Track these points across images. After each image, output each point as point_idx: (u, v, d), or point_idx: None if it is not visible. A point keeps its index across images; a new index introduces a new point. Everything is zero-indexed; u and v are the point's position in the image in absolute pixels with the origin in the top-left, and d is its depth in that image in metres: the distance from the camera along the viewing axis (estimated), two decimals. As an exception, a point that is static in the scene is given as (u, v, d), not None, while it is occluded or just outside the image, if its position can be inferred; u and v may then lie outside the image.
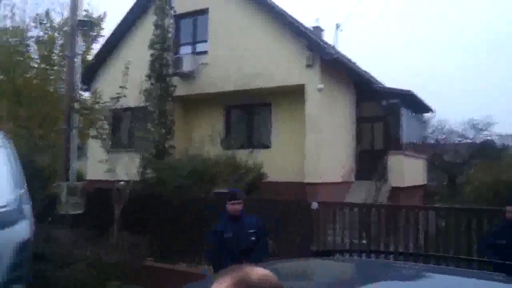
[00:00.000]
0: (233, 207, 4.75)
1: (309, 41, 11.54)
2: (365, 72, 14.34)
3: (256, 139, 12.83)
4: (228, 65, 12.30)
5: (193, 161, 9.80)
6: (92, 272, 5.88)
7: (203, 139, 10.87)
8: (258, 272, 1.21)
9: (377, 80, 15.01)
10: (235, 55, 12.25)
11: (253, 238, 4.70)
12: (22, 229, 5.92)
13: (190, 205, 8.00)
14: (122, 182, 8.18)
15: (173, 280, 7.02)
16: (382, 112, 13.81)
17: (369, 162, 12.88)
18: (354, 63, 13.58)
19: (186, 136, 12.74)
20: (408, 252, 6.30)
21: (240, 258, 4.49)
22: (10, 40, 9.48)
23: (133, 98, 10.28)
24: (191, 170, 9.34)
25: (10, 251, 5.71)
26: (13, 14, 9.98)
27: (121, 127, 13.24)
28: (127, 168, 8.63)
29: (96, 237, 6.69)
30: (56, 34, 9.78)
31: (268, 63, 11.77)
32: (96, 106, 8.17)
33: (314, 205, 7.00)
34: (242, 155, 10.73)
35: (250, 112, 13.24)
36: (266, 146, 12.32)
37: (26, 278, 5.89)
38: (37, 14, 9.91)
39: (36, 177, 7.16)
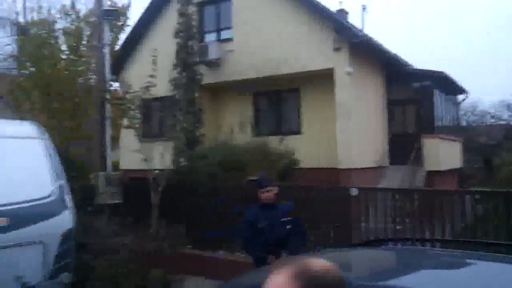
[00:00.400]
0: (265, 194, 4.57)
1: (336, 24, 11.27)
2: (395, 54, 13.97)
3: (285, 126, 12.67)
4: (254, 51, 12.12)
5: (224, 149, 9.72)
6: (134, 260, 5.87)
7: (232, 126, 10.78)
8: (318, 263, 1.14)
9: (407, 62, 14.61)
10: (261, 41, 12.06)
11: (288, 227, 4.51)
12: (65, 220, 5.96)
13: (224, 193, 7.92)
14: (156, 171, 8.17)
15: (213, 268, 6.99)
16: (414, 95, 13.46)
17: (402, 146, 12.60)
18: (382, 45, 13.22)
19: (215, 124, 12.67)
20: (469, 240, 5.99)
21: (275, 248, 4.37)
22: (38, 32, 9.49)
23: (161, 88, 10.23)
24: (222, 158, 9.27)
25: (55, 241, 5.76)
26: (40, 7, 10.02)
27: (151, 116, 13.25)
28: (159, 157, 8.61)
29: (134, 226, 6.68)
30: (82, 25, 9.75)
31: (294, 48, 11.55)
32: (127, 95, 8.12)
33: (354, 190, 6.81)
34: (272, 142, 10.59)
35: (278, 98, 13.06)
36: (296, 132, 12.16)
37: (71, 267, 5.94)
38: (63, 6, 9.93)
39: (72, 168, 7.19)
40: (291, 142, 10.95)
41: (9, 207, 5.43)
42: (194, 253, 7.39)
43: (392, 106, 13.53)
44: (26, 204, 5.68)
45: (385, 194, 7.11)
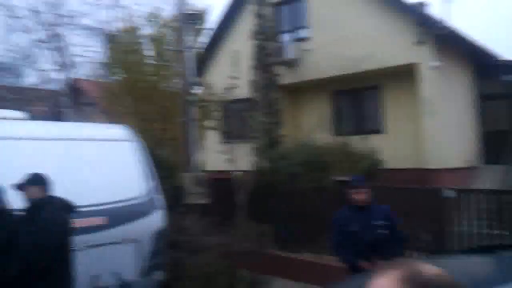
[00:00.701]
0: (358, 196, 4.34)
1: (419, 17, 10.71)
2: (482, 44, 13.03)
3: (366, 124, 12.27)
4: (331, 49, 11.87)
5: (304, 150, 9.61)
6: (223, 260, 5.92)
7: (312, 126, 10.62)
8: (430, 269, 1.03)
9: (496, 53, 13.56)
10: (338, 38, 11.78)
11: (381, 231, 4.25)
12: (157, 219, 6.16)
13: (309, 194, 7.80)
14: (238, 172, 8.24)
15: (297, 270, 6.89)
16: (506, 88, 12.45)
17: (496, 144, 11.70)
18: (469, 36, 12.37)
19: (294, 124, 12.58)
20: None
21: (367, 252, 4.15)
22: (126, 40, 9.98)
23: (240, 89, 10.34)
24: (303, 158, 9.16)
25: (148, 240, 5.97)
26: (126, 15, 10.52)
27: (232, 118, 13.46)
28: (240, 158, 8.69)
29: (221, 226, 6.76)
30: (166, 31, 10.10)
31: (374, 43, 11.15)
32: (211, 97, 8.27)
33: (450, 192, 6.38)
34: (353, 141, 10.29)
35: (358, 96, 12.68)
36: (378, 131, 11.73)
37: (164, 265, 6.13)
38: (149, 13, 10.33)
39: (162, 169, 7.43)
40: (373, 142, 10.58)
41: (107, 207, 5.71)
42: (279, 254, 7.34)
43: (483, 101, 12.62)
44: (122, 204, 5.94)
45: (481, 195, 6.60)
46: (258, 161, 9.54)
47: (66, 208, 4.16)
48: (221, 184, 8.33)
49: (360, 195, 4.35)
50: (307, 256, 7.12)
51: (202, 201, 7.28)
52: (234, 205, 7.53)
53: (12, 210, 4.08)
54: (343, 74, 11.69)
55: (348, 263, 4.36)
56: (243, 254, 6.20)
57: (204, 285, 5.94)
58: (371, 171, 9.78)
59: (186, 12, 8.50)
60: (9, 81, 16.09)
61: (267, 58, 11.92)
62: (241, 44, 12.09)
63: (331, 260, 6.60)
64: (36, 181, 4.13)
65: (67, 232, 4.09)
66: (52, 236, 3.83)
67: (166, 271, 6.13)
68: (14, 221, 3.92)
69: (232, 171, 8.14)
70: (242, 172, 7.95)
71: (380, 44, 11.04)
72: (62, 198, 4.20)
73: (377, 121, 11.98)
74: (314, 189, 7.91)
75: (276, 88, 11.80)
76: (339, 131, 11.39)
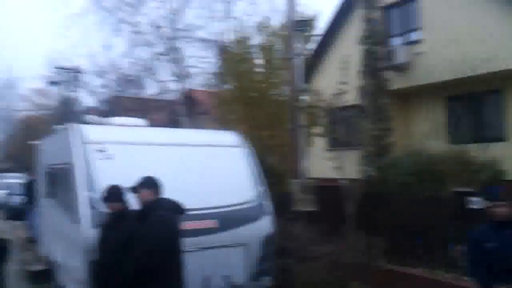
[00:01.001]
0: (498, 210, 3.86)
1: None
2: None
3: (486, 132, 11.25)
4: (446, 52, 11.12)
5: (416, 158, 9.10)
6: (331, 270, 5.81)
7: (424, 134, 10.03)
8: None
9: None
10: (454, 40, 10.99)
11: None
12: (266, 224, 6.26)
13: (422, 204, 7.35)
14: (345, 180, 8.07)
15: (410, 285, 6.51)
16: None
17: None
18: None
19: (404, 132, 12.01)
20: None
21: (504, 275, 3.70)
22: (237, 50, 10.37)
23: (348, 95, 10.13)
24: (415, 167, 8.68)
25: (257, 245, 6.09)
26: (237, 26, 10.93)
27: (339, 124, 13.27)
28: (348, 166, 8.50)
29: (329, 235, 6.65)
30: (275, 39, 10.30)
31: (495, 44, 10.20)
32: (320, 104, 8.23)
33: None
34: (471, 150, 9.49)
35: (476, 101, 11.69)
36: (500, 138, 10.69)
37: (272, 271, 6.20)
38: (257, 23, 10.63)
39: (270, 175, 7.55)
40: (494, 151, 9.66)
41: (218, 210, 5.94)
42: (390, 268, 7.00)
43: None
44: (232, 208, 6.14)
45: None
46: (367, 169, 9.26)
47: (175, 210, 4.27)
48: (328, 191, 8.22)
49: (500, 209, 3.89)
50: (421, 272, 6.70)
51: (309, 208, 7.24)
52: (342, 214, 7.37)
53: (131, 211, 4.41)
54: (459, 78, 10.87)
55: (481, 285, 3.97)
56: (352, 266, 6.02)
57: (312, 294, 5.89)
58: (493, 183, 8.95)
59: (296, 19, 8.58)
60: (132, 92, 17.61)
61: (376, 63, 11.56)
62: (349, 50, 11.88)
63: (448, 278, 6.16)
64: (149, 184, 4.31)
65: (176, 234, 4.18)
66: (161, 238, 3.95)
67: (274, 277, 6.19)
68: (132, 223, 4.19)
69: (339, 179, 7.98)
70: (349, 181, 7.75)
71: (503, 45, 10.09)
72: (172, 201, 4.31)
73: (499, 128, 10.93)
74: (429, 200, 7.43)
75: (386, 94, 11.37)
76: (454, 139, 10.60)
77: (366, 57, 11.56)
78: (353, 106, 11.60)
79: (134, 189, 4.34)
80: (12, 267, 7.76)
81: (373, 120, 10.90)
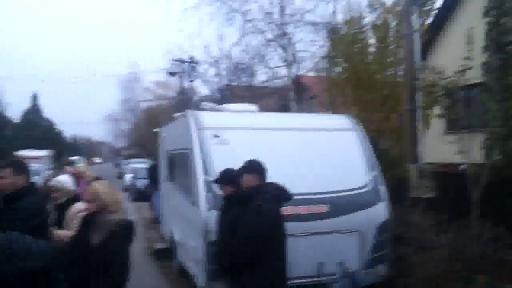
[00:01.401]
0: None
1: None
2: None
3: None
4: None
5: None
6: (453, 262, 5.38)
7: None
8: None
9: None
10: None
11: None
12: (381, 210, 6.00)
13: None
14: (463, 166, 7.39)
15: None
16: None
17: None
18: None
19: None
20: None
21: None
22: (349, 30, 10.01)
23: (470, 72, 9.25)
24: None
25: (371, 231, 5.86)
26: (349, 6, 10.51)
27: (459, 105, 12.26)
28: (470, 150, 7.78)
29: (451, 224, 6.15)
30: (389, 16, 9.73)
31: None
32: (442, 82, 7.61)
33: None
34: None
35: None
36: None
37: (387, 259, 5.95)
38: (370, 1, 10.13)
39: (384, 159, 7.21)
40: None
41: (328, 195, 5.82)
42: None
43: None
44: (344, 193, 5.97)
45: None
46: (493, 153, 8.38)
47: (280, 196, 3.95)
48: (447, 177, 7.60)
49: None
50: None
51: (428, 195, 6.76)
52: (464, 202, 6.76)
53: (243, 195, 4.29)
54: None
55: None
56: (477, 258, 5.50)
57: (431, 287, 5.52)
58: None
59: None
60: (243, 80, 18.03)
61: (502, 37, 10.36)
62: (472, 22, 10.79)
63: None
64: (251, 169, 4.04)
65: (276, 222, 3.84)
66: (254, 230, 3.68)
67: (390, 265, 5.92)
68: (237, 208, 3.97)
69: (460, 164, 7.32)
70: (472, 165, 7.07)
71: None
72: (279, 186, 3.99)
73: None
74: None
75: (513, 71, 10.15)
76: None
77: (490, 31, 10.44)
78: (476, 84, 10.58)
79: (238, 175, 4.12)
80: (138, 244, 8.53)
81: (500, 99, 9.82)
